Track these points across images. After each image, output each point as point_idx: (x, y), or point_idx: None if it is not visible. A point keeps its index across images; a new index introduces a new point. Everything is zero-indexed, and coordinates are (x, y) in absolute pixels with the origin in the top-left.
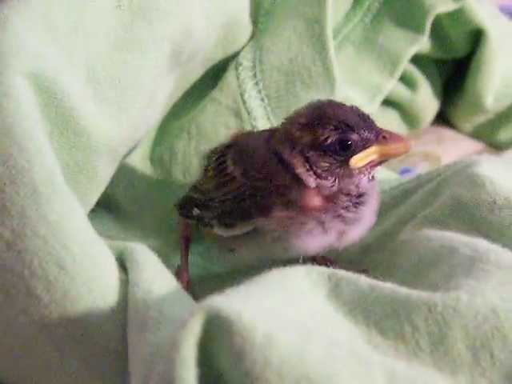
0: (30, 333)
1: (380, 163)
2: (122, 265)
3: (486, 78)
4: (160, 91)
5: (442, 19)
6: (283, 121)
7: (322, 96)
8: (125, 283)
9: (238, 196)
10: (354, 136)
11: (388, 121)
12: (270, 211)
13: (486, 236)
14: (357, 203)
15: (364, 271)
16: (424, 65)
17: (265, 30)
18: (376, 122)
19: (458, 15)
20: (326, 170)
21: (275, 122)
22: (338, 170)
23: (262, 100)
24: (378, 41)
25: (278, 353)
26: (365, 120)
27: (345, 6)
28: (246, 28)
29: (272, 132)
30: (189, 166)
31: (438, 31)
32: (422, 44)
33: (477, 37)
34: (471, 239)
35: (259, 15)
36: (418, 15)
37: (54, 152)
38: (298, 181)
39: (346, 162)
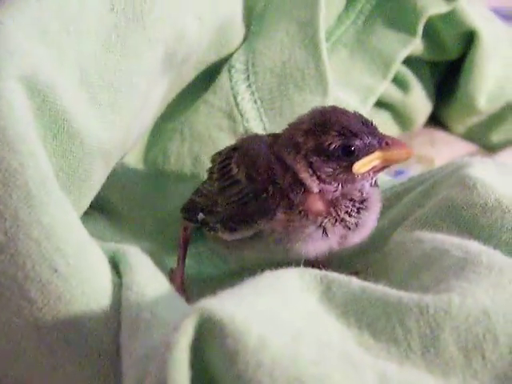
0: (24, 335)
1: (382, 169)
2: (116, 267)
3: (478, 80)
4: (153, 94)
5: (434, 21)
6: (287, 126)
7: (314, 98)
8: (118, 286)
9: (241, 199)
10: (358, 142)
11: (381, 122)
12: (273, 214)
13: (478, 238)
14: (359, 208)
15: (356, 273)
16: (417, 67)
17: (257, 32)
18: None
19: (450, 17)
20: (330, 176)
21: (268, 124)
22: (341, 176)
23: (255, 102)
24: (371, 43)
25: (270, 355)
26: (368, 126)
27: (337, 9)
28: (239, 31)
29: (276, 136)
30: (182, 168)
31: (431, 33)
32: (415, 46)
33: (469, 38)
34: (463, 241)
35: (252, 18)
36: (410, 17)
37: (47, 155)
38: (302, 185)
39: (349, 168)
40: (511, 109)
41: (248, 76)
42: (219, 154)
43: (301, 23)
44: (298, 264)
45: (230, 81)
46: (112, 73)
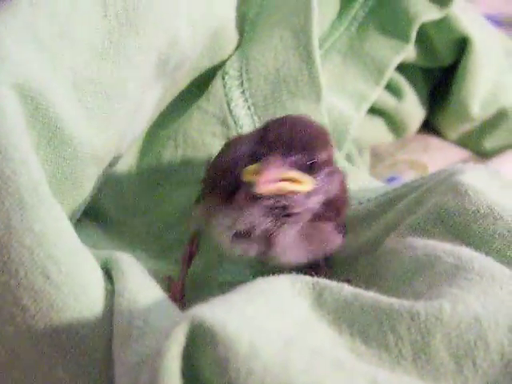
0: (17, 342)
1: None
2: (108, 274)
3: (471, 86)
4: (146, 100)
5: (427, 28)
6: None
7: (308, 104)
8: (110, 293)
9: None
10: None
11: (374, 129)
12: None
13: (469, 244)
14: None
15: (347, 281)
16: (410, 73)
17: (251, 39)
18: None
19: (443, 24)
20: None
21: None
22: None
23: (249, 108)
24: (364, 49)
25: (261, 362)
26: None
27: (330, 15)
28: (233, 37)
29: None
30: (176, 175)
31: (424, 40)
32: (408, 52)
33: (462, 45)
34: (454, 247)
35: (245, 24)
36: (403, 24)
37: (39, 162)
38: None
39: None
40: (504, 115)
41: (242, 82)
42: None
43: (294, 30)
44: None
45: (224, 87)
46: (105, 79)
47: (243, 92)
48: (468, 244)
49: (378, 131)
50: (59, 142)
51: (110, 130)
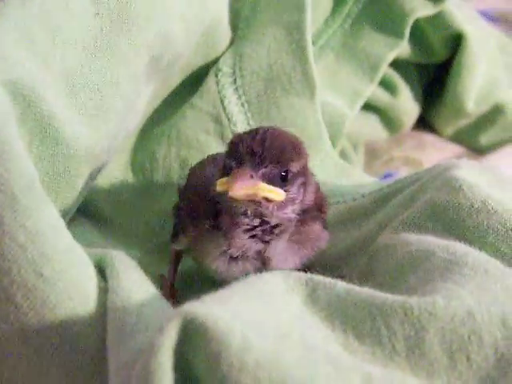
0: (10, 340)
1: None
2: (101, 272)
3: (466, 82)
4: (139, 98)
5: (421, 23)
6: None
7: (301, 101)
8: (104, 290)
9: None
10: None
11: (369, 125)
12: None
13: (464, 239)
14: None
15: (341, 277)
16: (404, 69)
17: (244, 36)
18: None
19: (437, 19)
20: None
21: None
22: None
23: (242, 105)
24: (358, 46)
25: (254, 357)
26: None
27: (324, 12)
28: (226, 34)
29: None
30: (169, 172)
31: (418, 36)
32: (402, 48)
33: (457, 41)
34: (448, 243)
35: (239, 21)
36: (397, 20)
37: (32, 160)
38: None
39: None
40: (499, 111)
41: (235, 79)
42: None
43: (288, 27)
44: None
45: (217, 84)
46: (97, 77)
47: (236, 89)
48: (462, 239)
49: (373, 128)
50: (52, 140)
51: (103, 127)
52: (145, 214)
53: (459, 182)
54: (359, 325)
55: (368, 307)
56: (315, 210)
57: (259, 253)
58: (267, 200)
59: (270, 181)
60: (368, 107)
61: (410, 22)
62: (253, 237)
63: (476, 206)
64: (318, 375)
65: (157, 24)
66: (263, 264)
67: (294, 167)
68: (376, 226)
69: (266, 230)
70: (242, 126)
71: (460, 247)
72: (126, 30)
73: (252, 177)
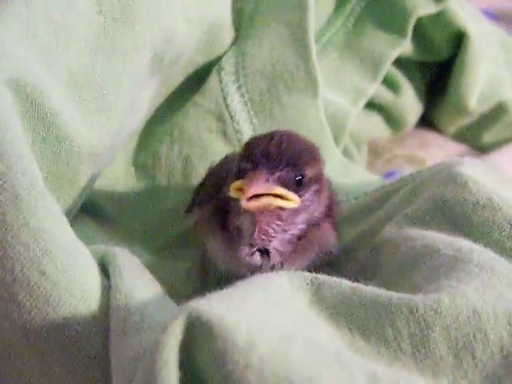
0: (13, 338)
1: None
2: (104, 269)
3: (469, 81)
4: (142, 96)
5: (424, 22)
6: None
7: (304, 100)
8: (107, 288)
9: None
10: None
11: (372, 124)
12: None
13: (468, 236)
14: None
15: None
16: (407, 68)
17: (247, 34)
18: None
19: (440, 18)
20: None
21: (258, 126)
22: None
23: (245, 104)
24: (361, 44)
25: (259, 355)
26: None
27: (327, 11)
28: (229, 32)
29: None
30: (172, 171)
31: (421, 34)
32: (405, 47)
33: (459, 39)
34: (453, 239)
35: (241, 19)
36: (399, 18)
37: (35, 158)
38: None
39: None
40: (502, 109)
41: (238, 78)
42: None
43: (290, 25)
44: None
45: (220, 82)
46: (100, 75)
47: (239, 87)
48: (467, 235)
49: (376, 126)
50: (55, 138)
51: (106, 125)
52: (148, 212)
53: (464, 178)
54: (364, 323)
55: (373, 306)
56: (326, 214)
57: (263, 251)
58: (281, 209)
59: (285, 185)
60: (371, 106)
61: (413, 20)
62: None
63: (481, 203)
64: (323, 373)
65: (160, 22)
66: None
67: (310, 172)
68: (378, 220)
69: (273, 231)
70: (244, 124)
71: (465, 244)
72: (129, 29)
73: (268, 180)
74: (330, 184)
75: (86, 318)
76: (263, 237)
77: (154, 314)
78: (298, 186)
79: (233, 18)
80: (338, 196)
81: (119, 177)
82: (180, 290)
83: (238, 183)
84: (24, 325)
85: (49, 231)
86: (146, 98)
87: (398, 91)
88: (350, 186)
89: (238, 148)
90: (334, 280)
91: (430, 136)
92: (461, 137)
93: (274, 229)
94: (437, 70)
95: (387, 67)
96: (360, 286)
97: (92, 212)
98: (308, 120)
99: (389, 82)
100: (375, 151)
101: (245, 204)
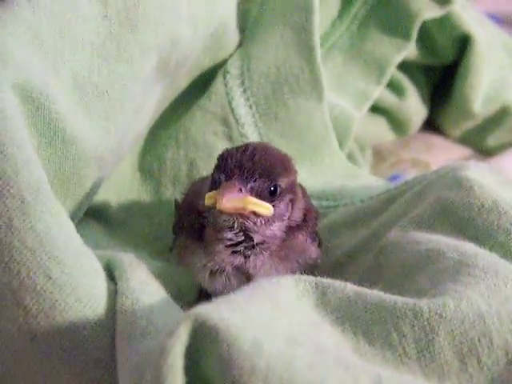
0: (19, 343)
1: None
2: (110, 274)
3: (473, 84)
4: (148, 100)
5: (428, 25)
6: None
7: (309, 103)
8: (113, 293)
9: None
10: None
11: (376, 127)
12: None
13: (474, 239)
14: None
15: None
16: (411, 71)
17: (252, 37)
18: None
19: (444, 21)
20: None
21: (263, 129)
22: None
23: (250, 107)
24: (365, 48)
25: (264, 359)
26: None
27: (331, 14)
28: (234, 36)
29: None
30: (178, 175)
31: (425, 37)
32: (409, 50)
33: (464, 43)
34: (458, 243)
35: (246, 23)
36: (404, 22)
37: (41, 162)
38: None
39: None
40: (506, 112)
41: (243, 81)
42: None
43: (295, 28)
44: None
45: (225, 86)
46: (106, 79)
47: (244, 91)
48: (472, 238)
49: (380, 129)
50: (61, 142)
51: (112, 129)
52: (153, 216)
53: (470, 181)
54: (369, 328)
55: (378, 310)
56: (301, 223)
57: (239, 267)
58: (255, 214)
59: (259, 195)
60: (375, 109)
61: (418, 24)
62: (234, 252)
63: (487, 206)
64: (328, 378)
65: (165, 26)
66: (247, 278)
67: (283, 182)
68: (383, 224)
69: (249, 246)
70: (249, 127)
71: (470, 248)
72: (134, 33)
73: (241, 190)
74: (305, 192)
75: (92, 323)
76: (243, 226)
77: (160, 319)
78: (271, 195)
79: (238, 21)
80: (342, 199)
81: (125, 180)
82: (186, 295)
83: (212, 194)
84: (30, 329)
85: (55, 236)
86: (151, 101)
87: (402, 95)
88: (354, 190)
89: None
90: (339, 284)
91: (435, 139)
92: (465, 140)
93: (252, 223)
94: (441, 73)
95: (392, 71)
96: (365, 290)
97: (98, 216)
98: (313, 123)
99: (393, 86)
100: (380, 155)
101: (220, 204)
